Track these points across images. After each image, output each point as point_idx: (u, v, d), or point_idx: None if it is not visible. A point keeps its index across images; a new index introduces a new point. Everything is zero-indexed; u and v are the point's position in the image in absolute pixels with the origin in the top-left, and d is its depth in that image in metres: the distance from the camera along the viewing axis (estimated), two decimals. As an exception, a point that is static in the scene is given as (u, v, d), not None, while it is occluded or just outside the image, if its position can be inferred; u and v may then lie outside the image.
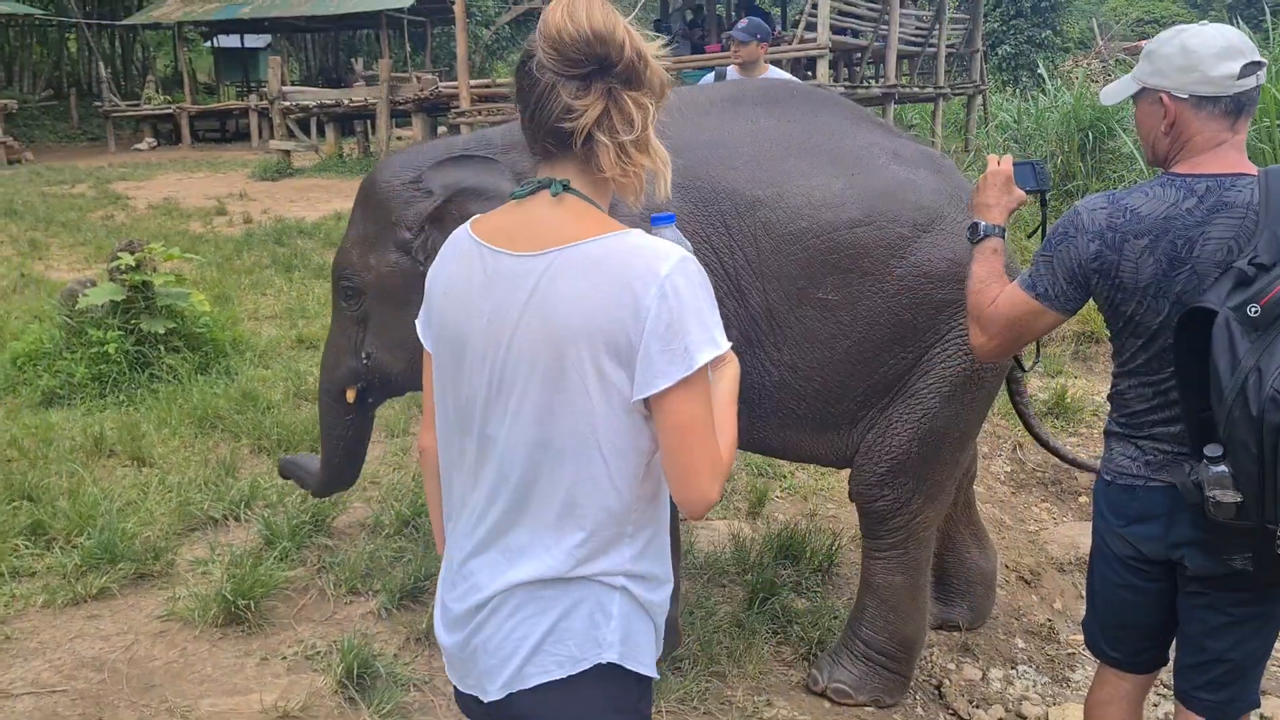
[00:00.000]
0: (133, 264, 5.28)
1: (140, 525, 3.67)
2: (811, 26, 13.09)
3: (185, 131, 23.31)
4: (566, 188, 1.45)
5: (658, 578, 1.53)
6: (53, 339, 5.43)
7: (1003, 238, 2.31)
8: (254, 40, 32.17)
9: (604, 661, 1.47)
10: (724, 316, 2.62)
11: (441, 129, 17.64)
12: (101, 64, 27.25)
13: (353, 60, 31.50)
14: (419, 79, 19.30)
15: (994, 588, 3.70)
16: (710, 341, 1.41)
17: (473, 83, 15.82)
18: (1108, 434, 2.29)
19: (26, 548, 3.54)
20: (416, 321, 1.60)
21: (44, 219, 11.01)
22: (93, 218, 11.24)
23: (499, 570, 1.49)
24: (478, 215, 1.55)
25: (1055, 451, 3.29)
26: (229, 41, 31.28)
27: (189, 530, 3.76)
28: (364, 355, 2.92)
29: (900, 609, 3.03)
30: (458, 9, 14.80)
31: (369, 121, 19.45)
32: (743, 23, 5.96)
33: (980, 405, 2.91)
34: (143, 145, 23.10)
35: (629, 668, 1.50)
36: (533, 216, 1.47)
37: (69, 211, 11.63)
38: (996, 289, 2.21)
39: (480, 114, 14.47)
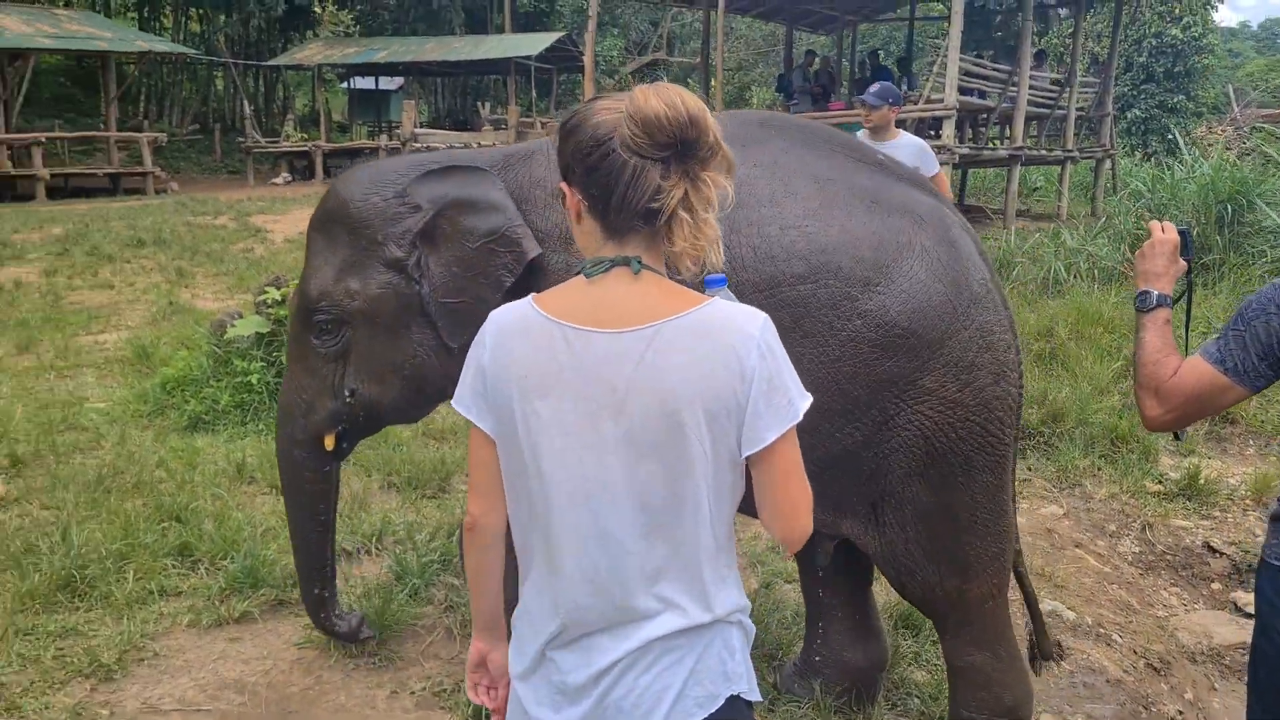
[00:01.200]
0: (278, 298, 5.54)
1: (280, 553, 3.82)
2: (938, 87, 13.05)
3: (319, 168, 24.26)
4: (642, 264, 1.52)
5: (747, 607, 1.64)
6: (200, 366, 5.71)
7: (1171, 307, 2.28)
8: (387, 83, 33.42)
9: (733, 694, 1.58)
10: None
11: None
12: (245, 102, 28.63)
13: (480, 104, 32.44)
14: (544, 125, 19.78)
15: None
16: (802, 391, 1.55)
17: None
18: (1274, 518, 2.22)
19: (175, 567, 3.72)
20: (463, 400, 1.60)
21: (189, 249, 11.59)
22: (234, 249, 11.79)
23: (625, 631, 1.54)
24: (542, 294, 1.58)
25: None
26: (364, 83, 32.54)
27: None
28: (347, 393, 2.74)
29: (991, 684, 2.86)
30: (587, 60, 15.17)
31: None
32: (874, 87, 5.99)
33: (982, 477, 2.64)
34: (279, 180, 24.14)
35: (748, 697, 1.61)
36: (614, 294, 1.53)
37: (212, 242, 12.21)
38: (1175, 360, 2.16)
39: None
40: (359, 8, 33.47)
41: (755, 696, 1.62)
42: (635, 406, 1.48)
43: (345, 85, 33.44)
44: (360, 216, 2.66)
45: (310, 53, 28.53)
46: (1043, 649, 3.04)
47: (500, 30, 31.48)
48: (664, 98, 1.46)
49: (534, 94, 30.40)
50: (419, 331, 2.70)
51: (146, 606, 3.48)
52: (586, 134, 1.50)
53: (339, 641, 3.17)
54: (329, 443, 2.81)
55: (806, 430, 2.50)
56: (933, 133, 13.22)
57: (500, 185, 2.65)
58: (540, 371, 1.51)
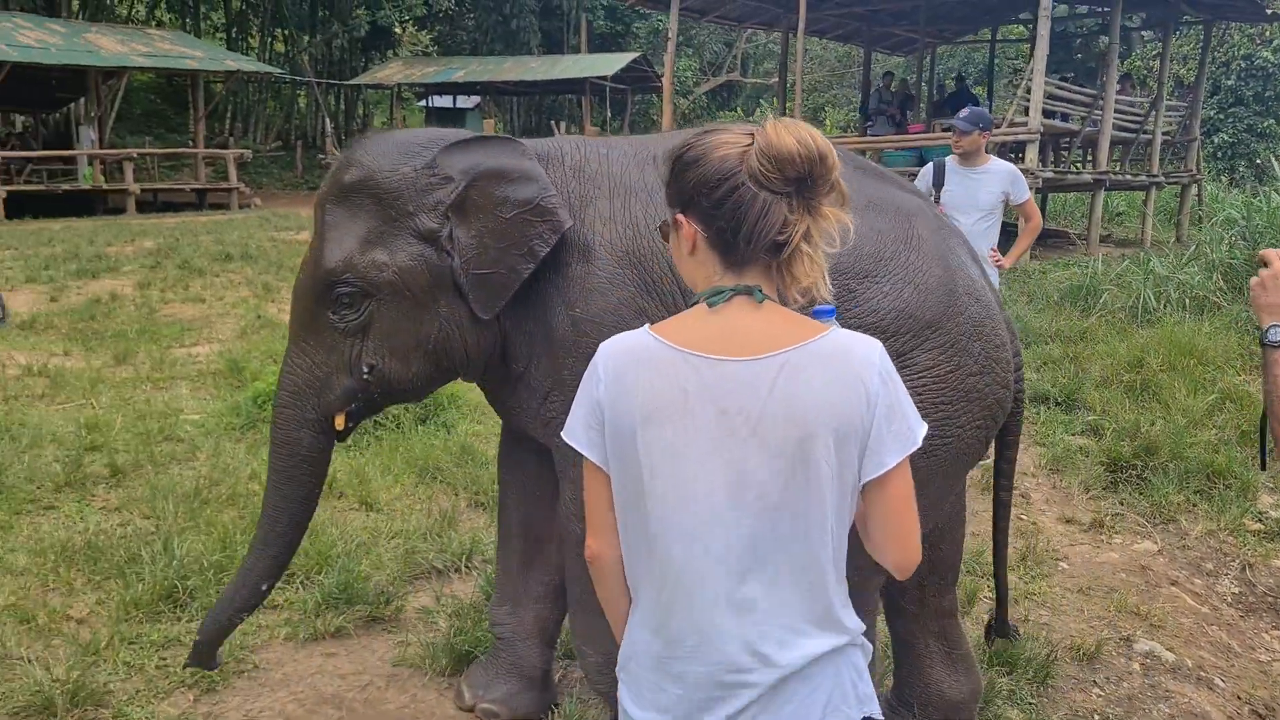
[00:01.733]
0: (368, 317, 5.63)
1: (372, 568, 3.88)
2: (1023, 110, 12.88)
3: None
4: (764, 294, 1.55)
5: (864, 627, 1.65)
6: (291, 381, 5.81)
7: None
8: (464, 101, 33.94)
9: (865, 716, 1.59)
10: None
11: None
12: (327, 119, 29.26)
13: (554, 122, 32.77)
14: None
15: None
16: (919, 418, 1.57)
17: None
18: None
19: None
20: (575, 434, 1.59)
21: (275, 263, 11.84)
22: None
23: (758, 664, 1.53)
24: (661, 324, 1.58)
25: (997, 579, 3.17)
26: (441, 101, 33.07)
27: (414, 578, 3.95)
28: (365, 369, 2.63)
29: (939, 676, 3.01)
30: (665, 80, 15.26)
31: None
32: (964, 112, 5.94)
33: (942, 471, 2.61)
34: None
35: (877, 718, 1.62)
36: (739, 323, 1.54)
37: (296, 257, 12.44)
38: None
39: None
40: (438, 28, 34.05)
41: (881, 718, 1.63)
42: (767, 433, 1.49)
43: (423, 103, 34.01)
44: (390, 186, 2.57)
45: (390, 72, 29.07)
46: (1001, 629, 3.23)
47: (576, 51, 31.81)
48: (795, 134, 1.49)
49: (608, 113, 30.63)
50: (448, 305, 2.62)
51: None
52: (711, 168, 1.52)
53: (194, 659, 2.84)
54: (340, 422, 2.71)
55: None
56: (1014, 155, 13.05)
57: (531, 155, 2.61)
58: (667, 401, 1.52)
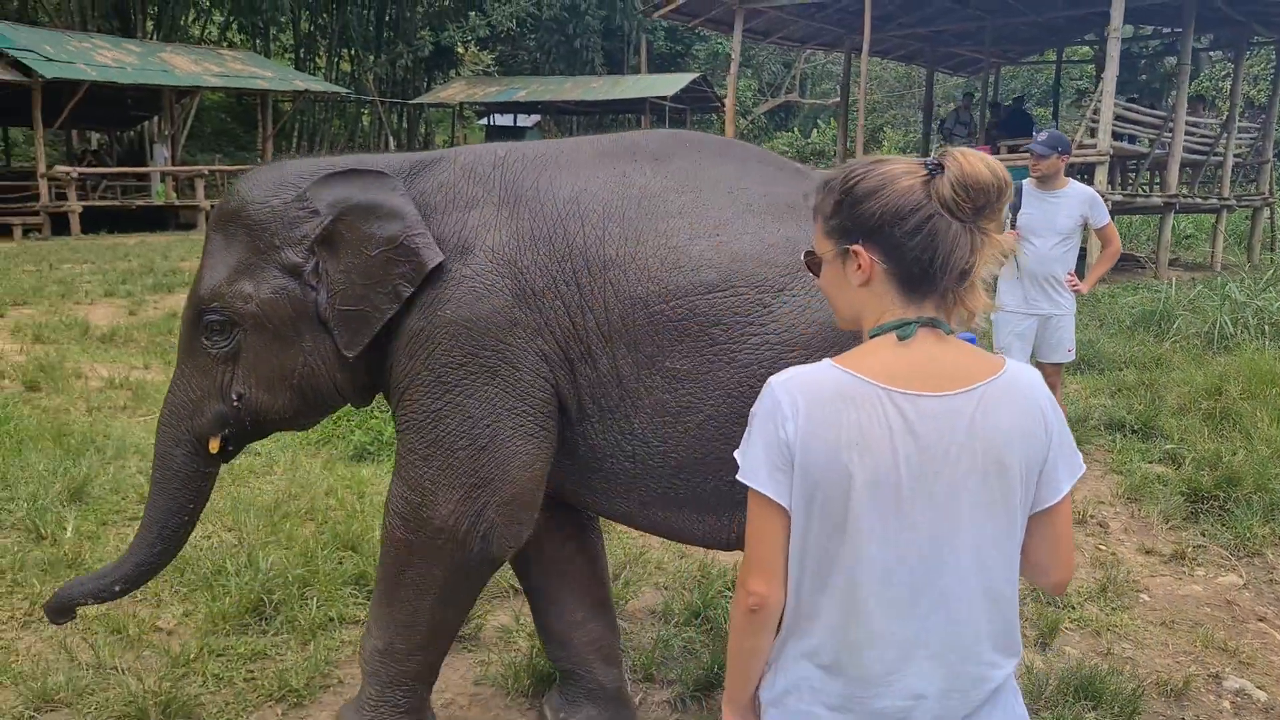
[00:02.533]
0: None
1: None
2: (1091, 132, 12.72)
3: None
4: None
5: None
6: (367, 398, 5.90)
7: None
8: (524, 119, 34.29)
9: None
10: (575, 381, 2.53)
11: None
12: (390, 137, 29.67)
13: (614, 143, 32.91)
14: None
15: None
16: (1075, 446, 1.61)
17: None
18: None
19: (353, 596, 3.84)
20: (756, 475, 1.55)
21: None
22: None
23: (959, 696, 1.56)
24: (846, 358, 1.56)
25: None
26: (502, 120, 33.46)
27: (492, 597, 3.98)
28: (234, 396, 2.64)
29: None
30: (729, 101, 15.30)
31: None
32: (1042, 135, 5.87)
33: None
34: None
35: None
36: (928, 356, 1.53)
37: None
38: None
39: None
40: (500, 49, 34.45)
41: None
42: (968, 467, 1.51)
43: (484, 122, 34.42)
44: (258, 219, 2.58)
45: (453, 91, 29.47)
46: None
47: (636, 71, 32.01)
48: (984, 162, 1.51)
49: (667, 133, 30.77)
50: (312, 339, 2.61)
51: (329, 633, 3.59)
52: (898, 199, 1.51)
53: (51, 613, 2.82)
54: (213, 446, 2.70)
55: (720, 443, 2.46)
56: (1083, 178, 12.87)
57: (402, 190, 2.57)
58: (870, 438, 1.49)
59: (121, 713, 3.03)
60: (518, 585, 4.01)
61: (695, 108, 31.46)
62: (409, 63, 31.16)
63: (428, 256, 2.48)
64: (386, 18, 32.17)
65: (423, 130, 34.60)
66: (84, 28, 24.30)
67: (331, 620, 3.66)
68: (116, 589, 2.80)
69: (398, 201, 2.53)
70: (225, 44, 28.90)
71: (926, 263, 1.51)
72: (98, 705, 3.08)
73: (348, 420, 5.83)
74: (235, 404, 2.64)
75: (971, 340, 1.64)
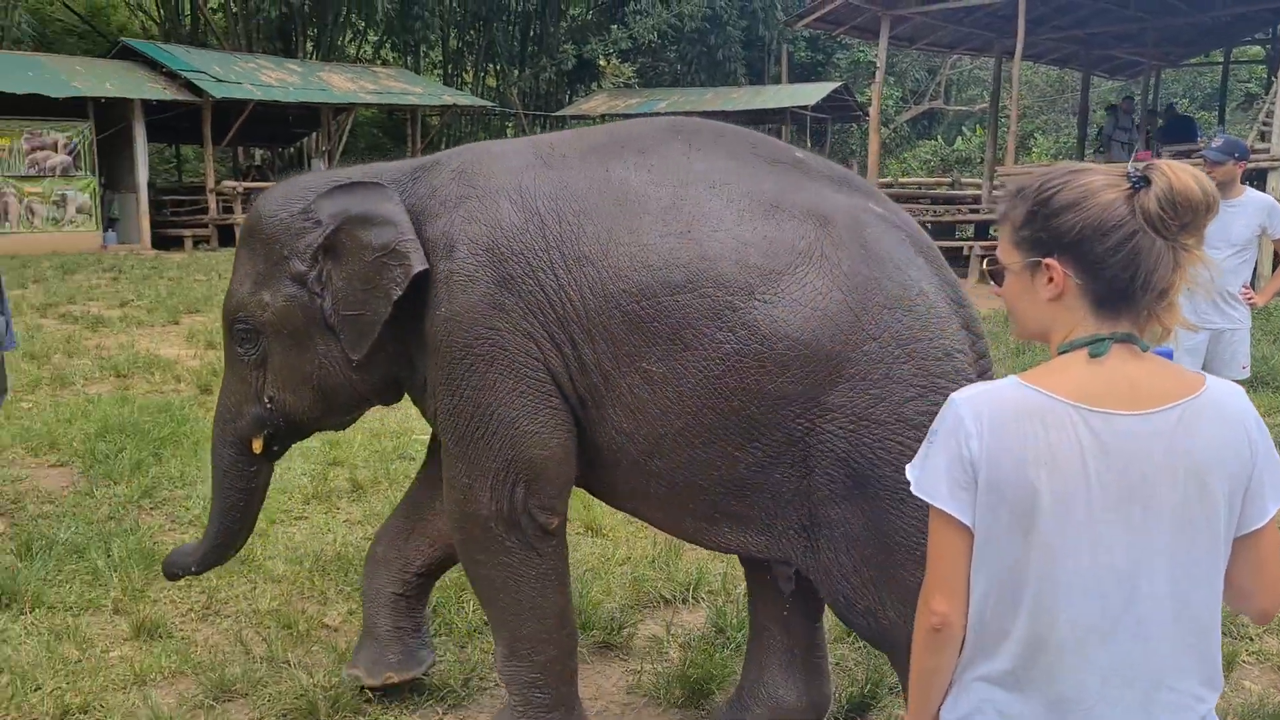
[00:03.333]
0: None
1: (602, 594, 3.94)
2: (1263, 136, 12.07)
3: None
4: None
5: None
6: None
7: None
8: (664, 132, 34.42)
9: None
10: (565, 364, 2.55)
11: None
12: (533, 150, 30.21)
13: (752, 153, 32.80)
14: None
15: None
16: None
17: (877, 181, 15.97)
18: None
19: (507, 601, 3.91)
20: (937, 492, 1.51)
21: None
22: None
23: None
24: (1034, 375, 1.51)
25: None
26: (650, 132, 33.66)
27: (643, 606, 3.99)
28: (266, 399, 2.86)
29: None
30: (873, 110, 15.10)
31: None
32: (1217, 141, 5.60)
33: (920, 501, 2.43)
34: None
35: None
36: (1123, 373, 1.47)
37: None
38: None
39: (887, 213, 14.55)
40: (641, 61, 34.76)
41: None
42: (1168, 489, 1.45)
43: (627, 135, 34.74)
44: (270, 232, 2.79)
45: (595, 104, 29.86)
46: None
47: (776, 81, 31.84)
48: (1193, 176, 1.44)
49: (808, 143, 30.50)
50: (324, 343, 2.78)
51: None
52: (1099, 213, 1.46)
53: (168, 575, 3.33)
54: (257, 446, 2.94)
55: (700, 450, 2.47)
56: (1253, 184, 12.22)
57: (395, 199, 2.69)
58: (1061, 457, 1.45)
59: (293, 705, 3.15)
60: (667, 595, 4.03)
61: (836, 117, 31.07)
62: (552, 76, 31.72)
63: (414, 261, 2.60)
64: (531, 33, 32.85)
65: (565, 143, 35.14)
66: (250, 50, 25.56)
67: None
68: (193, 569, 3.22)
69: (391, 210, 2.66)
70: (379, 62, 29.97)
71: (1126, 281, 1.46)
72: (271, 697, 3.21)
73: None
74: (268, 406, 2.87)
75: (1168, 355, 1.57)
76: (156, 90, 19.35)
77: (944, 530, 1.53)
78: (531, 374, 2.54)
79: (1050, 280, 1.51)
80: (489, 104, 28.75)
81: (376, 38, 30.84)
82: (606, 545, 4.51)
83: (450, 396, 2.62)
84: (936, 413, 2.30)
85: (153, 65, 20.32)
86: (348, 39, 29.87)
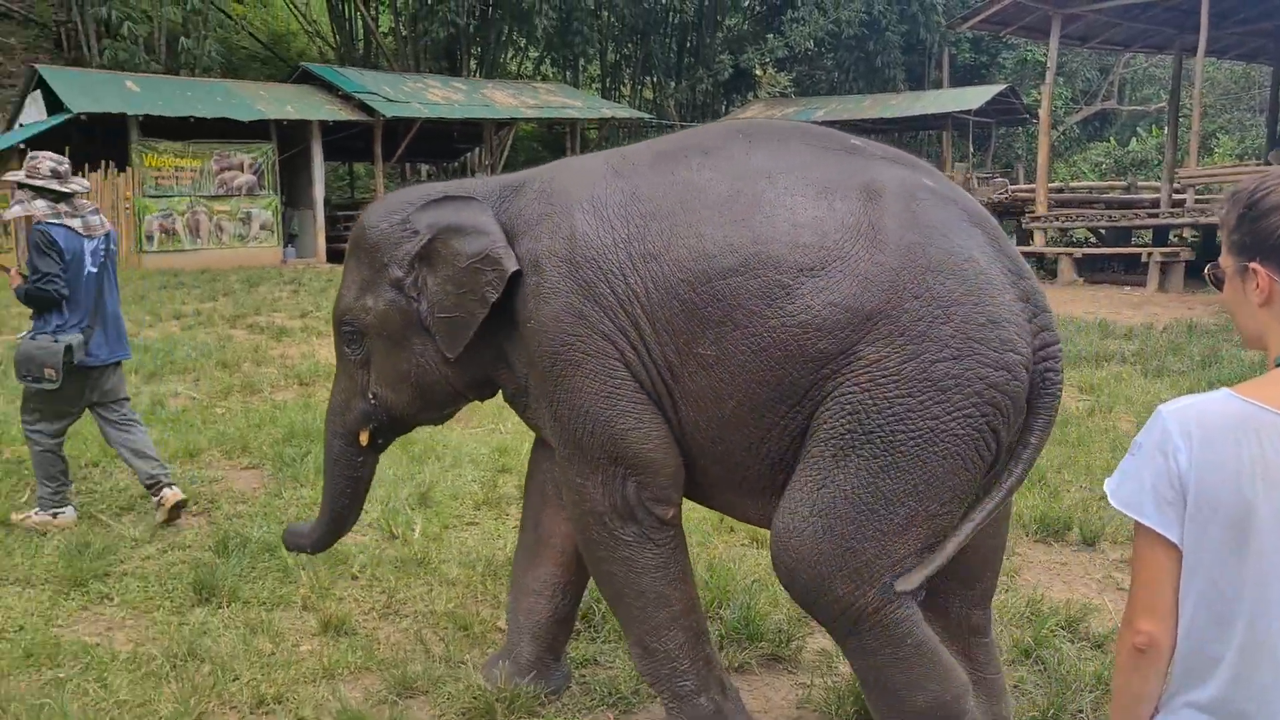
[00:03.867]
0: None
1: (769, 606, 3.92)
2: None
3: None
4: None
5: None
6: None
7: None
8: (821, 139, 34.07)
9: None
10: (642, 365, 2.67)
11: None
12: (689, 161, 30.40)
13: (912, 159, 32.15)
14: (981, 180, 19.20)
15: None
16: None
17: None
18: None
19: (675, 610, 3.93)
20: (1143, 508, 1.47)
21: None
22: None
23: None
24: (1247, 387, 1.44)
25: None
26: (799, 141, 33.42)
27: (810, 618, 3.94)
28: (370, 395, 3.12)
29: (896, 687, 2.57)
30: (1043, 113, 14.58)
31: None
32: None
33: (915, 470, 2.40)
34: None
35: None
36: None
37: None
38: None
39: (1058, 219, 13.99)
40: (797, 69, 34.53)
41: None
42: None
43: (780, 143, 34.58)
44: (373, 241, 3.04)
45: (751, 113, 29.78)
46: None
47: (937, 85, 31.12)
48: None
49: (970, 148, 29.68)
50: (420, 344, 3.01)
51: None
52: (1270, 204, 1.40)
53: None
54: (363, 438, 3.20)
55: (754, 424, 2.56)
56: None
57: (487, 211, 2.91)
58: (1274, 470, 1.39)
59: (470, 705, 3.24)
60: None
61: (1001, 120, 30.12)
62: (709, 87, 31.84)
63: (508, 264, 2.80)
64: (688, 44, 33.06)
65: (720, 153, 35.19)
66: (418, 70, 26.56)
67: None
68: (307, 549, 3.52)
69: (483, 220, 2.88)
70: (539, 77, 30.69)
71: None
72: (449, 696, 3.32)
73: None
74: (372, 401, 3.14)
75: None
76: (332, 111, 20.33)
77: (1150, 547, 1.48)
78: (616, 374, 2.68)
79: (1257, 286, 1.46)
80: (646, 116, 29.05)
81: (537, 54, 31.58)
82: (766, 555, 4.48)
83: (551, 404, 2.80)
84: (967, 377, 2.35)
85: (329, 88, 21.37)
86: (509, 56, 30.69)
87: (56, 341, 4.71)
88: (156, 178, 17.95)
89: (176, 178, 18.25)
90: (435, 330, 2.96)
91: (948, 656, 2.65)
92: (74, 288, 4.82)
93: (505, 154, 24.89)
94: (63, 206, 4.89)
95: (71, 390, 4.87)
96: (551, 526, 3.26)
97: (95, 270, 4.94)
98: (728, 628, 3.72)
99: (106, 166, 17.30)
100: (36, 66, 19.16)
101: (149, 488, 4.96)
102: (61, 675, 3.44)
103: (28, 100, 18.78)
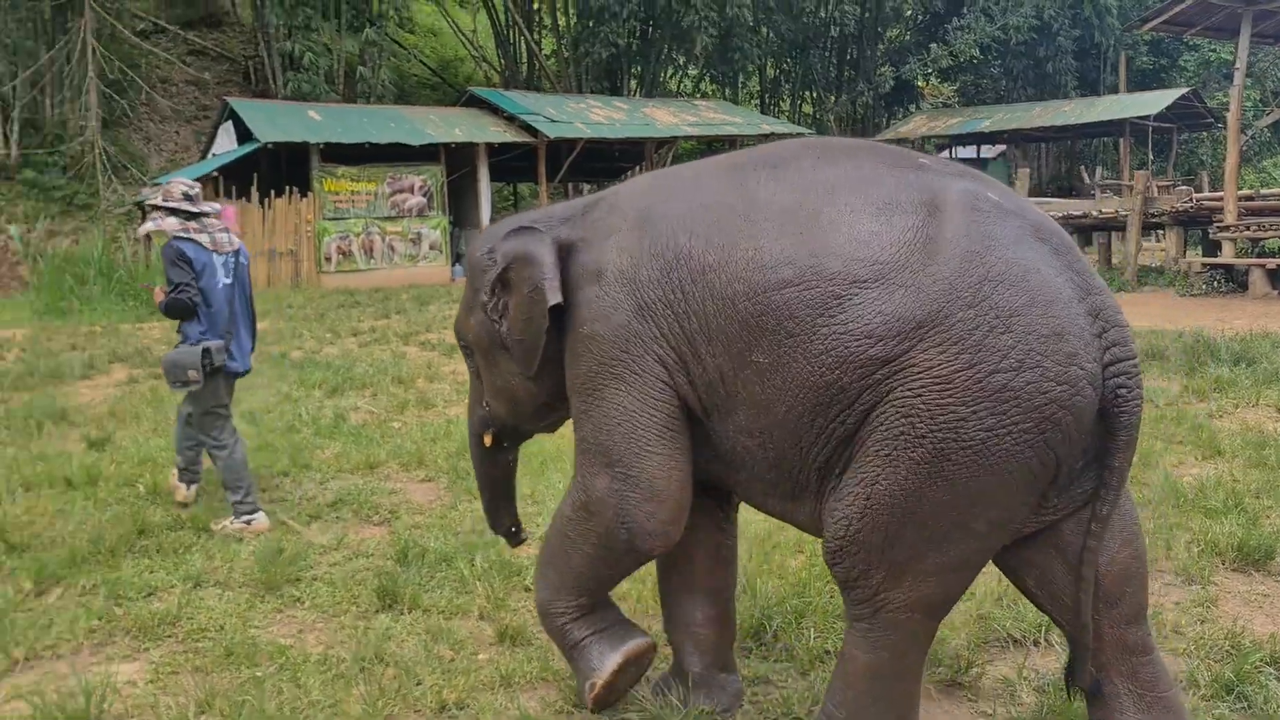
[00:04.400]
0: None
1: (947, 631, 3.80)
2: None
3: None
4: None
5: None
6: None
7: None
8: (988, 150, 33.17)
9: None
10: (691, 382, 2.78)
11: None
12: (849, 175, 30.06)
13: (1083, 168, 30.92)
14: (1161, 188, 18.27)
15: None
16: None
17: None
18: None
19: (848, 631, 3.86)
20: None
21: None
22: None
23: None
24: None
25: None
26: (964, 152, 32.62)
27: (989, 644, 3.82)
28: (485, 404, 3.43)
29: (859, 692, 2.69)
30: (1231, 118, 13.78)
31: (1111, 234, 18.87)
32: None
33: (965, 482, 2.41)
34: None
35: None
36: None
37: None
38: None
39: (1249, 228, 13.18)
40: (962, 79, 33.70)
41: None
42: None
43: (944, 154, 33.80)
44: (472, 267, 3.34)
45: (915, 125, 29.28)
46: (1078, 677, 2.78)
47: (1114, 90, 29.85)
48: None
49: (1149, 155, 28.33)
50: (505, 361, 3.24)
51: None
52: None
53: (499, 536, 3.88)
54: (487, 440, 3.51)
55: (806, 428, 2.60)
56: None
57: (546, 241, 3.05)
58: None
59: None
60: (1017, 635, 3.84)
61: (1184, 125, 28.70)
62: (869, 100, 31.44)
63: (551, 296, 2.95)
64: (848, 57, 32.73)
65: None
66: (580, 90, 27.13)
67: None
68: (501, 535, 3.83)
69: (540, 251, 3.03)
70: (699, 95, 30.89)
71: None
72: (622, 710, 3.34)
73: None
74: (486, 408, 3.45)
75: None
76: (498, 133, 20.97)
77: None
78: (659, 396, 2.80)
79: None
80: (806, 131, 28.87)
81: (696, 71, 31.81)
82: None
83: (581, 400, 2.96)
84: (1028, 390, 2.33)
85: (494, 110, 22.06)
86: (669, 74, 31.02)
87: (193, 345, 5.21)
88: (335, 201, 18.87)
89: (352, 201, 19.14)
90: (511, 350, 3.18)
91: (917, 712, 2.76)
92: (209, 299, 5.31)
93: (665, 172, 25.13)
94: (193, 224, 5.37)
95: (219, 390, 5.38)
96: (688, 534, 3.23)
97: (229, 283, 5.43)
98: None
99: (290, 192, 18.28)
100: (228, 99, 20.44)
101: (180, 470, 5.59)
102: (259, 674, 3.62)
103: (220, 131, 20.05)
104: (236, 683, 3.56)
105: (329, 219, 18.76)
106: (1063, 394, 2.38)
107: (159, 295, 5.36)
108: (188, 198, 5.41)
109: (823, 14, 30.73)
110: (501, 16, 28.91)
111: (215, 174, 17.47)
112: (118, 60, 22.68)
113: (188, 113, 25.57)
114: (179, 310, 5.26)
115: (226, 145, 19.43)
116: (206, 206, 5.49)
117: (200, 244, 5.31)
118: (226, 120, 19.81)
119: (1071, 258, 2.56)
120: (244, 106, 19.64)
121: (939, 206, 2.55)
